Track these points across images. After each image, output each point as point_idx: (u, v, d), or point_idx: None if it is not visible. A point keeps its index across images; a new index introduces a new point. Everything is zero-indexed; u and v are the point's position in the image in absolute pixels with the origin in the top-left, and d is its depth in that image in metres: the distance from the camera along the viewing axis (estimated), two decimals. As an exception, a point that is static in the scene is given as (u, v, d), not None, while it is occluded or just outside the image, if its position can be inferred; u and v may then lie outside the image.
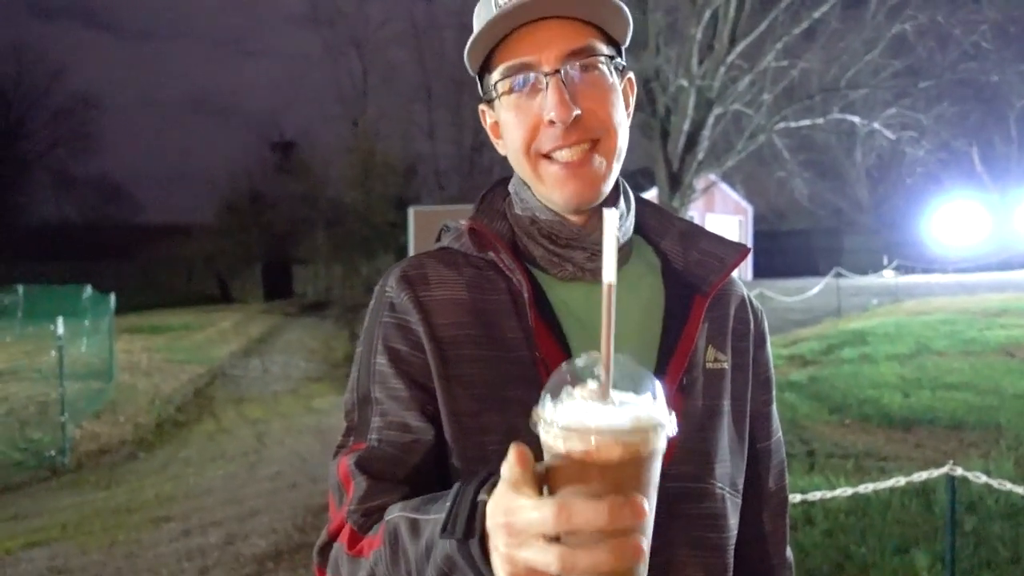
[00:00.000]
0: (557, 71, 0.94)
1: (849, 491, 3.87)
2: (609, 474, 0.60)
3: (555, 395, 0.63)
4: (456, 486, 0.74)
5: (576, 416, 0.60)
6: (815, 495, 3.99)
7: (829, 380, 9.28)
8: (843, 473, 5.75)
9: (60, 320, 8.67)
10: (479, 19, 1.00)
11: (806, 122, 16.09)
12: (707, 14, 14.52)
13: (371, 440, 0.96)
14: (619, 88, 1.00)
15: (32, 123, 46.38)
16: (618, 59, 1.00)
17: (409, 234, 28.61)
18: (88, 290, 15.50)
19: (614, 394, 0.62)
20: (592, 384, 0.63)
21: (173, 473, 7.82)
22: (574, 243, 1.02)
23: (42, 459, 8.19)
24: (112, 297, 13.81)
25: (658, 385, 0.64)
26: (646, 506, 0.59)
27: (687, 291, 1.05)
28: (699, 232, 1.11)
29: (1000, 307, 14.10)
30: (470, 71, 1.04)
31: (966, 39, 14.93)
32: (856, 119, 16.12)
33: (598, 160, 0.97)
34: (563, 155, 0.96)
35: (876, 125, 15.96)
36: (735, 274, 1.10)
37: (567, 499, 0.59)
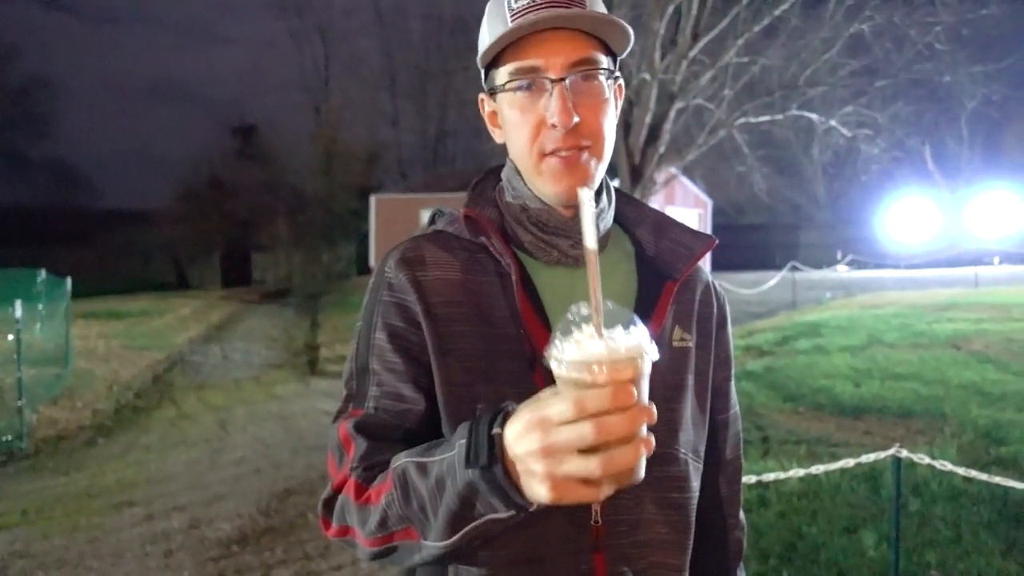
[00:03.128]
0: (562, 79, 1.03)
1: (801, 472, 4.04)
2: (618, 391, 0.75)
3: (564, 335, 0.78)
4: (465, 425, 0.87)
5: (588, 350, 0.75)
6: (769, 477, 4.15)
7: (784, 370, 9.53)
8: (796, 458, 5.95)
9: (19, 304, 8.53)
10: (492, 18, 1.08)
11: (766, 118, 16.34)
12: (670, 9, 14.65)
13: (368, 408, 1.06)
14: (613, 99, 1.10)
15: (-17, 103, 45.05)
16: (616, 73, 1.10)
17: (371, 222, 28.50)
18: (43, 274, 15.18)
19: (608, 332, 0.77)
20: (588, 327, 0.77)
21: (134, 459, 7.76)
22: (560, 231, 1.11)
23: (-2, 444, 8.08)
24: (68, 282, 13.57)
25: (641, 323, 0.79)
26: (654, 410, 0.77)
27: (658, 276, 1.14)
28: (670, 222, 1.21)
29: (948, 302, 14.58)
30: (479, 64, 1.12)
31: (921, 40, 15.26)
32: (814, 116, 16.42)
33: (587, 158, 1.07)
34: (560, 155, 1.06)
35: (833, 123, 16.27)
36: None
37: (599, 416, 0.74)
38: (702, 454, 1.16)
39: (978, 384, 8.13)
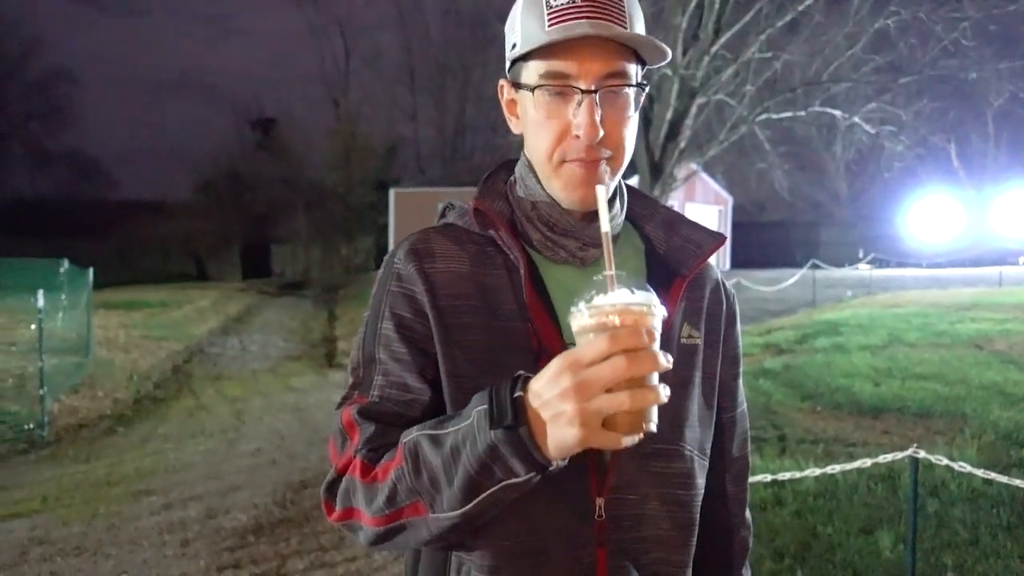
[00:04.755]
0: (593, 91, 1.01)
1: (817, 472, 4.01)
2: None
3: (587, 297, 0.86)
4: (480, 395, 0.91)
5: (610, 298, 0.84)
6: (784, 475, 4.12)
7: (803, 368, 9.45)
8: (813, 457, 5.91)
9: (40, 293, 8.63)
10: (528, 11, 1.05)
11: (788, 114, 16.21)
12: (692, 4, 14.56)
13: (373, 396, 1.06)
14: (636, 112, 1.08)
15: (6, 95, 45.68)
16: (644, 85, 1.08)
17: (390, 216, 28.59)
18: (65, 264, 15.37)
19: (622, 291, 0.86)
20: (604, 290, 0.86)
21: (152, 448, 7.84)
22: (569, 232, 1.11)
23: (20, 432, 8.17)
24: (91, 272, 13.72)
25: (649, 287, 0.87)
26: (670, 358, 0.84)
27: (668, 273, 1.14)
28: (680, 220, 1.21)
29: (971, 301, 14.39)
30: (507, 55, 1.11)
31: (947, 36, 15.07)
32: (837, 113, 16.26)
33: (605, 169, 1.06)
34: (580, 163, 1.05)
35: (856, 119, 16.10)
36: (712, 260, 1.20)
37: (631, 354, 0.81)
38: (708, 452, 1.15)
39: (1000, 385, 8.03)
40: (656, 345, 0.84)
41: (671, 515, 1.08)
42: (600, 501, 1.03)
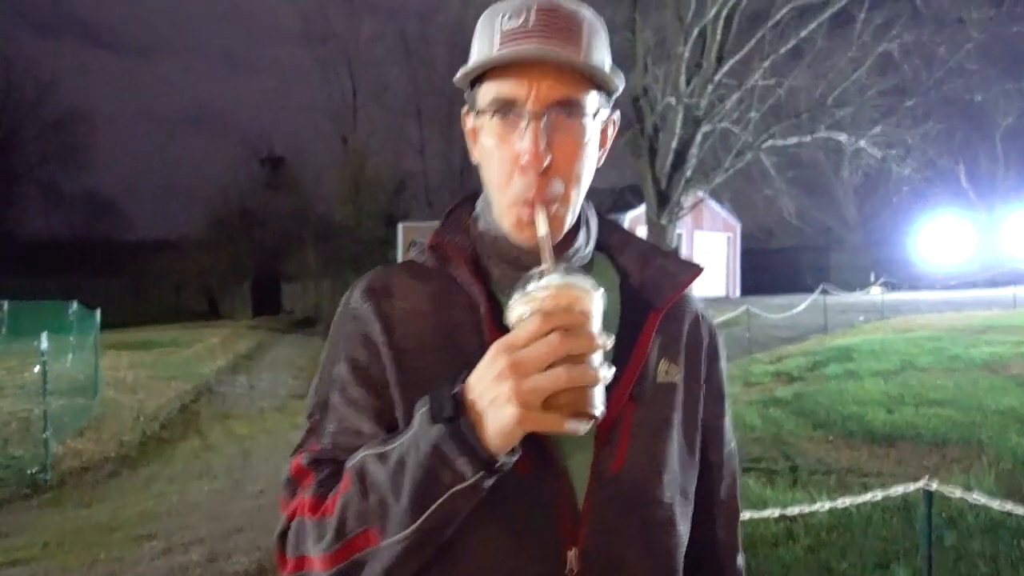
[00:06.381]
0: (540, 115, 0.95)
1: (828, 505, 3.89)
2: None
3: (523, 287, 0.85)
4: (421, 400, 0.90)
5: (541, 284, 0.83)
6: (795, 510, 4.00)
7: (814, 396, 9.30)
8: (825, 489, 5.76)
9: (44, 335, 8.62)
10: (482, 35, 1.01)
11: (793, 140, 16.18)
12: (695, 33, 14.64)
13: (325, 443, 1.01)
14: (594, 139, 1.02)
15: (22, 136, 46.38)
16: (602, 110, 1.02)
17: (398, 250, 28.71)
18: (74, 306, 15.44)
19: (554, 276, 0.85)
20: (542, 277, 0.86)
21: (157, 490, 7.76)
22: (531, 268, 1.04)
23: (23, 476, 8.12)
24: (98, 313, 13.75)
25: (586, 274, 0.86)
26: (611, 340, 0.83)
27: (642, 306, 1.08)
28: (656, 250, 1.15)
29: (985, 324, 14.18)
30: (461, 83, 1.05)
31: (951, 58, 15.07)
32: (843, 137, 16.21)
33: (556, 209, 0.99)
34: (530, 205, 0.98)
35: (863, 143, 16.05)
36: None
37: (566, 332, 0.80)
38: (691, 496, 1.09)
39: (1017, 410, 7.85)
40: (594, 326, 0.82)
41: (652, 565, 1.01)
42: (572, 553, 0.96)
